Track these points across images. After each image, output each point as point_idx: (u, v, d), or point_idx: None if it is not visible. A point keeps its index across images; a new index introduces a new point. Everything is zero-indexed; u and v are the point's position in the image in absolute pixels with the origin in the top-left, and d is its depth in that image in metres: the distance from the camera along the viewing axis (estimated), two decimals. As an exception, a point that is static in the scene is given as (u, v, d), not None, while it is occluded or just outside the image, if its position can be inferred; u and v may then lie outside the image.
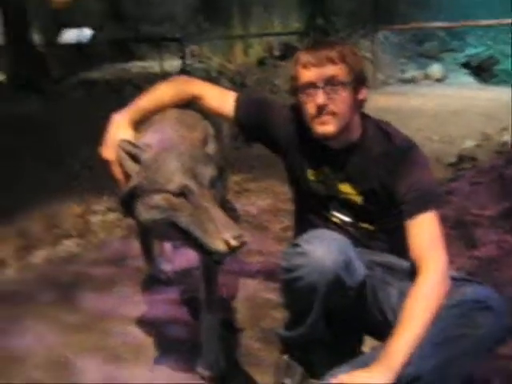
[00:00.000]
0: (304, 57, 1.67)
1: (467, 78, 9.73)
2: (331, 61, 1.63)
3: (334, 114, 1.64)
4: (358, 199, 1.74)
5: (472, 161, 4.05)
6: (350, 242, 1.68)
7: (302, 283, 1.60)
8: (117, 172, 1.65)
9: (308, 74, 1.65)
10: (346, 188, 1.75)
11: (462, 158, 4.17)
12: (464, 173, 3.59)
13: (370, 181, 1.70)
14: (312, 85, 1.64)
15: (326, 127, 1.65)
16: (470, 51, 11.26)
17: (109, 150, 1.66)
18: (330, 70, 1.63)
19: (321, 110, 1.64)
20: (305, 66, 1.66)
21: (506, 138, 4.67)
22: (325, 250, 1.58)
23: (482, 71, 10.27)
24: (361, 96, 1.69)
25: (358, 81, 1.67)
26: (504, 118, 5.79)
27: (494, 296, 1.53)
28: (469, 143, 4.82)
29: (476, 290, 1.53)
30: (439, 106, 6.74)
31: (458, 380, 1.55)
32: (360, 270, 1.67)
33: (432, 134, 5.25)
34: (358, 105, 1.70)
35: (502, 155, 3.60)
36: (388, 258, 1.75)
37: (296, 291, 1.65)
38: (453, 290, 1.53)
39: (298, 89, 1.69)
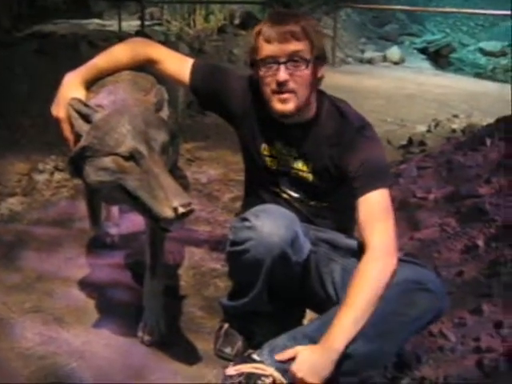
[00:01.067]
0: (267, 30, 1.61)
1: (424, 63, 9.89)
2: (295, 36, 1.59)
3: (293, 91, 1.61)
4: (310, 177, 1.74)
5: (421, 145, 4.15)
6: (297, 217, 1.70)
7: (247, 256, 1.62)
8: (66, 131, 1.61)
9: (271, 48, 1.60)
10: (298, 165, 1.75)
11: (412, 142, 4.25)
12: (413, 156, 3.67)
13: (323, 159, 1.71)
14: (274, 59, 1.60)
15: (286, 105, 1.63)
16: (429, 37, 11.44)
17: (60, 108, 1.62)
18: (294, 45, 1.59)
19: (281, 86, 1.60)
20: (267, 40, 1.61)
21: (456, 125, 4.78)
22: (272, 225, 1.59)
23: (439, 57, 10.46)
24: (319, 74, 1.68)
25: (319, 58, 1.65)
26: (456, 105, 5.93)
27: (434, 279, 1.59)
28: (420, 128, 4.92)
29: (417, 271, 1.57)
30: (395, 88, 6.83)
31: (391, 355, 1.62)
32: (306, 246, 1.70)
33: (385, 115, 5.33)
34: (316, 82, 1.69)
35: (451, 141, 3.68)
36: (333, 235, 1.78)
37: (241, 264, 1.67)
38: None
39: (257, 62, 1.64)
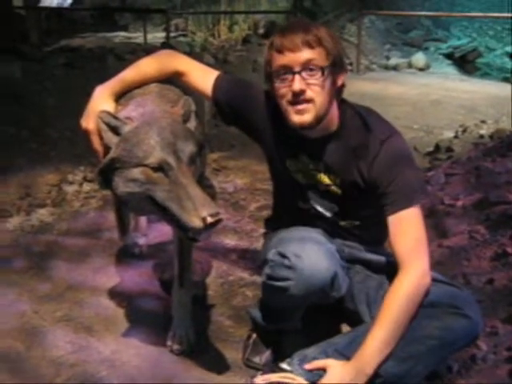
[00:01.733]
0: (278, 41, 1.56)
1: (450, 69, 9.80)
2: (308, 44, 1.53)
3: (311, 101, 1.54)
4: (338, 190, 1.70)
5: (449, 151, 4.10)
6: (334, 247, 1.68)
7: (286, 294, 1.61)
8: (96, 143, 1.64)
9: (283, 59, 1.55)
10: (325, 179, 1.70)
11: (439, 148, 4.21)
12: (440, 163, 3.63)
13: (351, 172, 1.65)
14: (287, 69, 1.54)
15: (303, 116, 1.56)
16: (454, 42, 11.33)
17: (89, 121, 1.65)
18: (307, 53, 1.53)
19: (297, 96, 1.54)
20: (279, 51, 1.56)
21: (484, 130, 4.73)
22: (313, 267, 1.56)
23: (465, 63, 10.35)
24: (339, 82, 1.62)
25: (337, 65, 1.58)
26: (483, 110, 5.85)
27: (471, 303, 1.54)
28: (447, 134, 4.87)
29: (455, 294, 1.54)
30: (420, 95, 6.78)
31: (420, 377, 1.58)
32: (345, 283, 1.68)
33: (411, 122, 5.29)
34: (336, 91, 1.62)
35: (479, 147, 3.64)
36: (366, 254, 1.77)
37: (278, 298, 1.67)
38: (432, 290, 1.54)
39: (271, 74, 1.59)
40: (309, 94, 1.54)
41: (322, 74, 1.54)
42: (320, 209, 1.75)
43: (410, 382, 1.55)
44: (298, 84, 1.53)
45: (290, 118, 1.58)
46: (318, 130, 1.62)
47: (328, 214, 1.75)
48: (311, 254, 1.58)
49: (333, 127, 1.65)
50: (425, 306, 1.52)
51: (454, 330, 1.49)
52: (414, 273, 1.51)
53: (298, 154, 1.72)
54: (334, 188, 1.70)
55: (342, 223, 1.76)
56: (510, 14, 9.62)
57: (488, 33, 11.87)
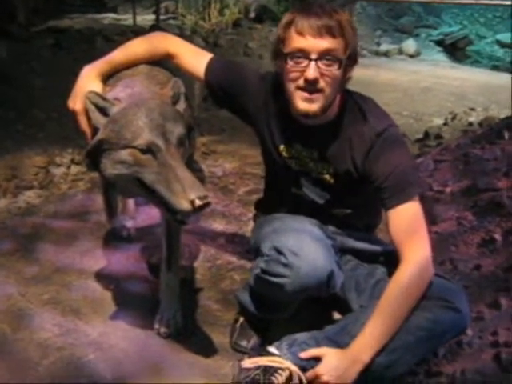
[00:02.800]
0: (301, 21, 1.48)
1: (440, 56, 9.78)
2: (330, 32, 1.47)
3: (321, 90, 1.50)
4: (331, 179, 1.69)
5: (438, 138, 4.11)
6: (330, 242, 1.67)
7: (280, 290, 1.60)
8: (83, 123, 1.62)
9: (303, 42, 1.48)
10: (318, 167, 1.69)
11: (428, 135, 4.21)
12: (429, 150, 3.64)
13: (345, 162, 1.64)
14: (304, 54, 1.48)
15: (311, 105, 1.52)
16: (445, 29, 11.31)
17: (77, 101, 1.63)
18: (328, 42, 1.47)
19: (310, 84, 1.49)
20: (300, 33, 1.48)
21: (473, 118, 4.73)
22: (310, 266, 1.54)
23: (456, 50, 10.34)
24: (350, 74, 1.58)
25: (352, 58, 1.54)
26: (473, 98, 5.86)
27: (461, 296, 1.55)
28: (436, 121, 4.87)
29: (444, 287, 1.54)
30: (411, 81, 6.77)
31: (408, 367, 1.60)
32: (339, 279, 1.66)
33: (401, 109, 5.28)
34: (344, 83, 1.59)
35: (468, 135, 3.65)
36: (357, 243, 1.77)
37: (271, 292, 1.66)
38: None
39: (284, 55, 1.52)
40: (322, 83, 1.50)
41: (339, 66, 1.49)
42: (312, 196, 1.74)
43: (397, 371, 1.57)
44: (312, 72, 1.48)
45: (296, 103, 1.54)
46: (316, 119, 1.59)
47: (320, 202, 1.74)
48: (308, 253, 1.56)
49: (331, 116, 1.62)
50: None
51: (443, 322, 1.50)
52: (416, 264, 1.50)
53: (292, 141, 1.70)
54: (326, 176, 1.69)
55: (334, 211, 1.75)
56: (500, 2, 9.62)
57: (479, 20, 11.86)
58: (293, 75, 1.52)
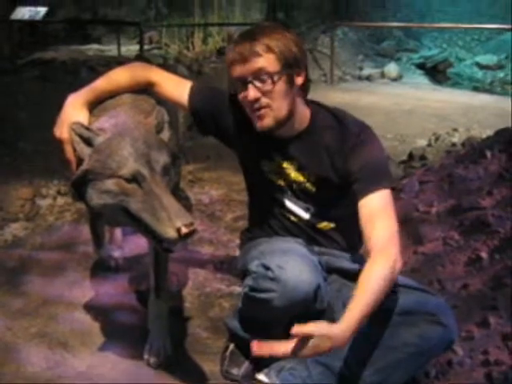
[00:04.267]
0: (230, 53, 1.63)
1: (422, 79, 9.94)
2: (255, 54, 1.57)
3: (267, 106, 1.60)
4: (313, 188, 1.72)
5: (422, 159, 4.15)
6: (316, 258, 1.67)
7: (268, 306, 1.60)
8: (69, 153, 1.62)
9: (236, 70, 1.61)
10: (299, 177, 1.73)
11: (412, 157, 4.25)
12: (414, 171, 3.67)
13: (324, 168, 1.69)
14: (241, 80, 1.61)
15: (263, 121, 1.62)
16: (426, 52, 11.52)
17: (63, 129, 1.64)
18: (255, 63, 1.57)
19: (254, 104, 1.60)
20: (231, 63, 1.62)
21: (456, 138, 4.79)
22: (296, 279, 1.55)
23: (437, 73, 10.52)
24: (299, 81, 1.64)
25: (291, 66, 1.60)
26: (455, 119, 5.95)
27: (446, 310, 1.55)
28: (420, 142, 4.93)
29: (429, 301, 1.55)
30: (393, 104, 6.86)
31: (399, 382, 1.58)
32: (326, 293, 1.67)
33: (385, 132, 5.33)
34: (297, 91, 1.65)
35: (452, 155, 3.69)
36: (342, 262, 1.77)
37: (260, 310, 1.66)
38: (407, 298, 1.55)
39: (232, 84, 1.65)
40: (264, 100, 1.59)
41: (273, 80, 1.58)
42: (296, 210, 1.76)
43: None
44: (251, 93, 1.59)
45: (254, 123, 1.64)
46: (287, 130, 1.67)
47: (304, 215, 1.76)
48: (295, 266, 1.57)
49: (303, 125, 1.70)
50: (401, 314, 1.53)
51: (430, 337, 1.50)
52: (388, 255, 1.49)
53: (271, 155, 1.75)
54: (308, 185, 1.73)
55: (319, 225, 1.77)
56: (478, 26, 9.82)
57: (458, 43, 12.09)
58: (242, 100, 1.63)
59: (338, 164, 1.67)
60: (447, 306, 1.60)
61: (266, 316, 1.68)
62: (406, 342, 1.51)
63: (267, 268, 1.59)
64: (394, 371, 1.53)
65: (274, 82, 1.58)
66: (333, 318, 1.71)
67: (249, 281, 1.66)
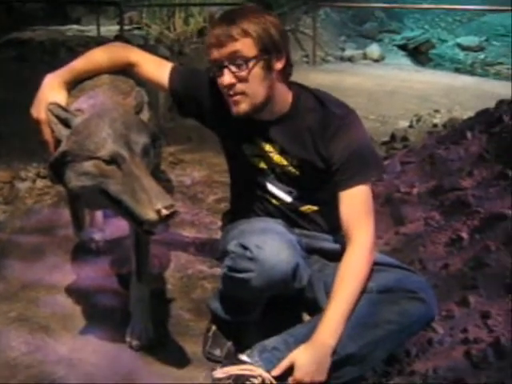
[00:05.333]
0: (208, 36, 1.61)
1: (404, 60, 9.93)
2: (231, 38, 1.54)
3: (243, 93, 1.58)
4: (295, 171, 1.71)
5: (404, 140, 4.16)
6: (295, 238, 1.69)
7: (247, 286, 1.60)
8: (46, 134, 1.60)
9: (212, 53, 1.59)
10: (282, 160, 1.72)
11: (394, 138, 4.26)
12: (396, 152, 3.68)
13: (307, 151, 1.68)
14: (217, 64, 1.58)
15: (238, 107, 1.60)
16: (408, 33, 11.50)
17: (40, 109, 1.61)
18: (231, 47, 1.54)
19: (229, 89, 1.58)
20: (208, 46, 1.60)
21: (438, 119, 4.81)
22: (275, 258, 1.56)
23: (419, 54, 10.52)
24: (278, 65, 1.61)
25: (269, 51, 1.57)
26: (437, 100, 5.97)
27: (426, 287, 1.59)
28: (402, 123, 4.94)
29: (409, 279, 1.58)
30: (376, 85, 6.85)
31: (379, 360, 1.64)
32: (306, 273, 1.69)
33: (367, 113, 5.33)
34: (277, 75, 1.62)
35: (433, 136, 3.70)
36: (325, 242, 1.78)
37: (239, 290, 1.67)
38: (387, 276, 1.59)
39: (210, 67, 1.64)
40: (239, 86, 1.57)
41: (248, 65, 1.55)
42: (278, 193, 1.76)
43: (369, 366, 1.60)
44: (226, 78, 1.57)
45: (230, 108, 1.62)
46: (268, 113, 1.65)
47: (287, 199, 1.76)
48: (273, 245, 1.58)
49: (285, 108, 1.68)
50: (381, 292, 1.55)
51: (410, 314, 1.53)
52: (363, 249, 1.58)
53: (253, 138, 1.73)
54: (291, 169, 1.71)
55: (301, 208, 1.77)
56: (460, 7, 9.82)
57: (440, 24, 12.10)
58: (219, 83, 1.61)
59: (320, 147, 1.66)
60: (427, 284, 1.63)
61: (245, 296, 1.69)
62: (388, 320, 1.53)
63: (245, 248, 1.59)
64: (376, 348, 1.56)
65: (249, 68, 1.56)
66: (314, 298, 1.73)
67: (227, 261, 1.66)
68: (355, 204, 1.61)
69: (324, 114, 1.66)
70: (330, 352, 1.51)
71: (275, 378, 1.54)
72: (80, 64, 1.72)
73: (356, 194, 1.61)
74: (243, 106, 1.60)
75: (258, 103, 1.60)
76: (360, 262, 1.57)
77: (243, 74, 1.56)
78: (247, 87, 1.57)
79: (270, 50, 1.57)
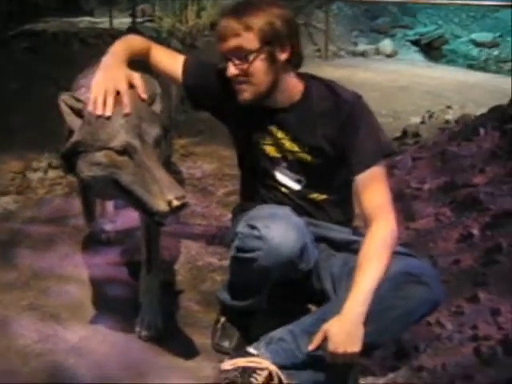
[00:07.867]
0: (216, 28, 1.68)
1: (417, 55, 9.86)
2: (234, 33, 1.59)
3: (247, 82, 1.63)
4: (307, 157, 1.73)
5: (416, 136, 4.14)
6: (304, 222, 1.69)
7: (254, 265, 1.62)
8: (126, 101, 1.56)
9: (219, 46, 1.65)
10: (294, 147, 1.73)
11: (406, 134, 4.24)
12: (408, 148, 3.66)
13: (318, 138, 1.70)
14: (223, 55, 1.64)
15: (242, 95, 1.65)
16: (421, 29, 11.42)
17: (120, 80, 1.59)
18: (233, 41, 1.60)
19: (234, 80, 1.64)
20: (217, 39, 1.66)
21: (450, 116, 4.78)
22: (282, 236, 1.58)
23: (432, 49, 10.45)
24: (283, 56, 1.63)
25: (273, 43, 1.60)
26: (449, 96, 5.92)
27: (428, 270, 1.59)
28: (414, 119, 4.91)
29: (409, 263, 1.58)
30: (388, 81, 6.81)
31: (384, 345, 1.64)
32: (313, 254, 1.70)
33: (379, 108, 5.29)
34: (282, 65, 1.65)
35: (445, 132, 3.68)
36: (333, 232, 1.78)
37: (247, 271, 1.67)
38: (392, 262, 1.56)
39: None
40: (242, 78, 1.63)
41: (249, 58, 1.60)
42: (287, 182, 1.77)
43: (372, 351, 1.62)
44: (230, 70, 1.63)
45: (237, 96, 1.67)
46: (278, 101, 1.70)
47: (295, 187, 1.77)
48: (280, 225, 1.60)
49: (296, 97, 1.71)
50: (384, 280, 1.54)
51: (414, 297, 1.52)
52: (387, 226, 1.59)
53: (265, 126, 1.75)
54: (302, 155, 1.73)
55: (311, 196, 1.77)
56: (474, 2, 9.73)
57: (453, 20, 11.99)
58: (226, 74, 1.65)
59: (332, 134, 1.68)
60: (431, 268, 1.64)
61: (252, 278, 1.68)
62: (392, 306, 1.53)
63: (253, 227, 1.61)
64: (381, 335, 1.55)
65: (250, 60, 1.60)
66: (321, 289, 1.73)
67: (236, 242, 1.68)
68: (371, 186, 1.62)
69: (335, 101, 1.68)
70: (361, 319, 1.49)
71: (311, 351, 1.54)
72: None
73: (371, 177, 1.62)
74: (247, 95, 1.65)
75: (261, 92, 1.65)
76: (385, 240, 1.57)
77: (245, 66, 1.61)
78: (251, 78, 1.62)
79: (272, 42, 1.61)
